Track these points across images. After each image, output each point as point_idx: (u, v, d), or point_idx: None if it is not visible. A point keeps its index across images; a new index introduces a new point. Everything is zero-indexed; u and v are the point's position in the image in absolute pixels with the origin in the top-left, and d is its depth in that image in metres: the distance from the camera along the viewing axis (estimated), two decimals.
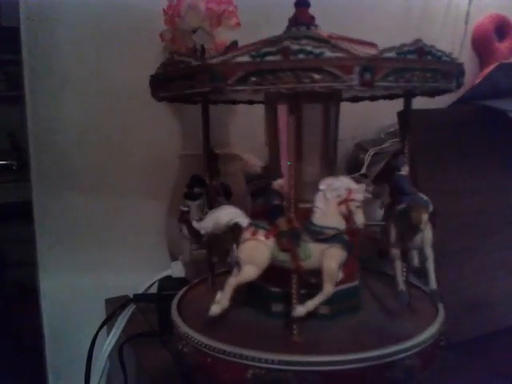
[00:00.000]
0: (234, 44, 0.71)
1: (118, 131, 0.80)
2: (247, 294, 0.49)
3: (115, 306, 0.73)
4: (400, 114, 0.64)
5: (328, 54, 0.37)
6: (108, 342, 0.66)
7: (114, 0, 0.77)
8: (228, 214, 0.44)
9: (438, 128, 0.67)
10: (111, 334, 0.66)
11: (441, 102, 0.63)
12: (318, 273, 0.42)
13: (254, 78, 0.37)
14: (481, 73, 1.06)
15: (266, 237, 0.42)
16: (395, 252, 0.46)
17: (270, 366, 0.39)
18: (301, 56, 0.36)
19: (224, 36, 0.71)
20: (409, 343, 0.42)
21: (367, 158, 0.89)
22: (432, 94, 0.49)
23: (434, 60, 0.40)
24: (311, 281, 0.43)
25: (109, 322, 0.70)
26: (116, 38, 0.78)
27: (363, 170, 0.86)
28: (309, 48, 0.37)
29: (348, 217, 0.42)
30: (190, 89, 0.40)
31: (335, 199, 0.42)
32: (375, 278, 0.57)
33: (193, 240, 0.53)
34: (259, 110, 0.68)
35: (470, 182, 0.64)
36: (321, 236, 0.42)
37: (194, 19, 0.70)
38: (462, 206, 0.62)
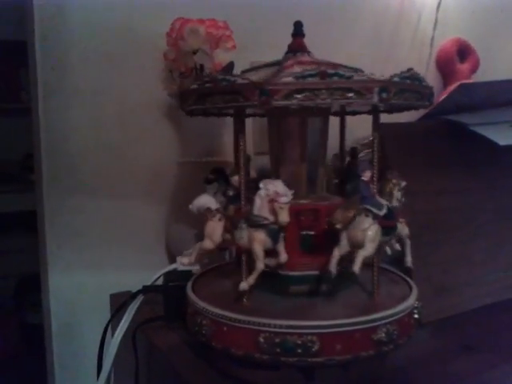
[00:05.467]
0: (230, 64, 0.81)
1: (122, 140, 0.87)
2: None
3: (120, 301, 0.79)
4: None
5: None
6: (119, 329, 0.72)
7: (120, 22, 0.85)
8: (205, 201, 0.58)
9: (408, 139, 0.77)
10: (122, 322, 0.73)
11: (409, 117, 0.73)
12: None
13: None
14: (444, 91, 1.18)
15: (220, 219, 0.56)
16: None
17: (278, 330, 0.48)
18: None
19: (221, 57, 0.80)
20: (388, 312, 0.51)
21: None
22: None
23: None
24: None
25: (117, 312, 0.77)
26: (122, 55, 0.86)
27: None
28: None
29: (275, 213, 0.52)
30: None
31: (266, 197, 0.53)
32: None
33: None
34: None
35: (436, 184, 0.74)
36: (252, 223, 0.53)
37: (195, 42, 0.78)
38: (428, 205, 0.72)
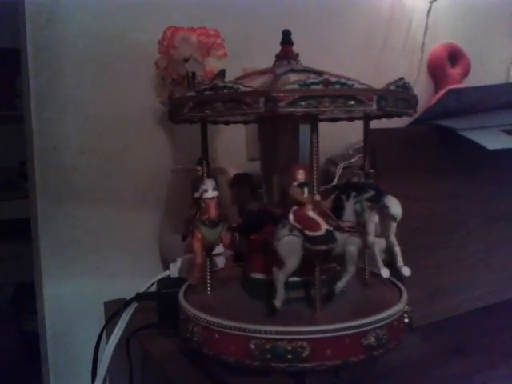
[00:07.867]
0: (222, 72, 0.81)
1: (115, 148, 0.88)
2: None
3: (114, 308, 0.79)
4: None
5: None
6: (113, 336, 0.73)
7: (113, 30, 0.86)
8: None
9: (399, 144, 0.77)
10: (116, 329, 0.73)
11: (399, 123, 0.74)
12: None
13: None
14: (435, 95, 1.19)
15: None
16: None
17: (268, 336, 0.48)
18: None
19: (213, 65, 0.81)
20: (378, 317, 0.52)
21: (338, 171, 0.99)
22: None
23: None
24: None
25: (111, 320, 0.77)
26: (114, 63, 0.87)
27: (334, 182, 0.97)
28: None
29: None
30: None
31: None
32: None
33: None
34: (238, 130, 0.78)
35: (426, 189, 0.75)
36: None
37: (187, 50, 0.79)
38: (420, 210, 0.73)
